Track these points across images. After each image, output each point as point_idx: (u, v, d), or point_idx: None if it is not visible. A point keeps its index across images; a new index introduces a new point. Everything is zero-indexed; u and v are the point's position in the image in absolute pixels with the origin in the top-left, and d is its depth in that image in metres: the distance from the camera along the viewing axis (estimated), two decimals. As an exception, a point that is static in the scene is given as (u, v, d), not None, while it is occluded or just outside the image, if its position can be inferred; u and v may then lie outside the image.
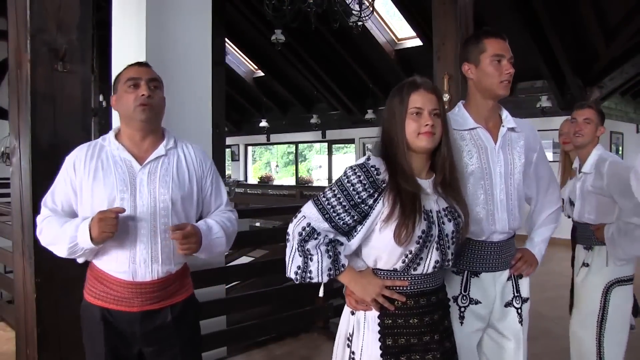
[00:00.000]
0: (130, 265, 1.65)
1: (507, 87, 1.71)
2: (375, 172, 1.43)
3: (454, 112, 1.81)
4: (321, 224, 1.44)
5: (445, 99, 3.85)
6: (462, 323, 1.69)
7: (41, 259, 2.05)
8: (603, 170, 2.42)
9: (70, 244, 1.61)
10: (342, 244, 1.47)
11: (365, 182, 1.42)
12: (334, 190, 1.45)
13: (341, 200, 1.43)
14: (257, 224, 9.18)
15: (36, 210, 2.04)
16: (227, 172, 13.91)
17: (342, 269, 1.46)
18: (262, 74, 12.63)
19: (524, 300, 1.78)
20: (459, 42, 3.72)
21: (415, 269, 1.46)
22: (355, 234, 1.46)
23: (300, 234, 1.45)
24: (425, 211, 1.45)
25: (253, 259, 5.27)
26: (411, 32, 9.22)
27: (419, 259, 1.45)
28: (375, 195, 1.42)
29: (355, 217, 1.43)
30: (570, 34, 7.67)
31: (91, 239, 1.57)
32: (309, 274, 1.44)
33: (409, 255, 1.44)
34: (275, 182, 15.08)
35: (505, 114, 1.79)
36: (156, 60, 2.94)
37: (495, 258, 1.72)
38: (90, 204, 1.64)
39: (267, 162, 16.96)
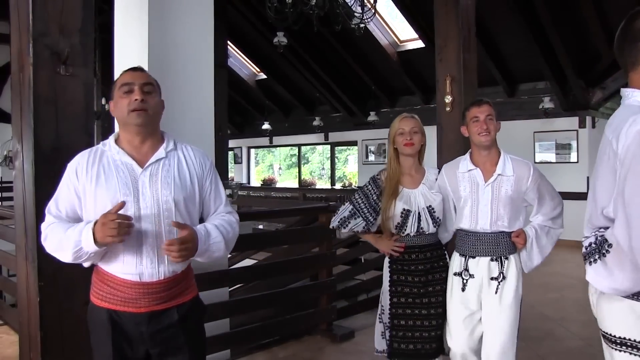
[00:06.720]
0: (137, 267, 1.66)
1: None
2: None
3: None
4: None
5: (447, 101, 3.85)
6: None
7: (44, 262, 2.05)
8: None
9: (74, 248, 1.61)
10: None
11: None
12: None
13: None
14: (260, 227, 9.19)
15: (39, 213, 2.04)
16: (230, 174, 13.90)
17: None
18: (264, 76, 12.64)
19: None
20: (460, 43, 3.71)
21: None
22: None
23: None
24: None
25: (256, 261, 5.26)
26: (413, 34, 9.21)
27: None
28: None
29: None
30: (572, 35, 7.66)
31: (95, 242, 1.56)
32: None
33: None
34: (278, 185, 15.09)
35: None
36: (158, 63, 2.95)
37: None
38: (94, 209, 1.65)
39: (269, 164, 16.95)
